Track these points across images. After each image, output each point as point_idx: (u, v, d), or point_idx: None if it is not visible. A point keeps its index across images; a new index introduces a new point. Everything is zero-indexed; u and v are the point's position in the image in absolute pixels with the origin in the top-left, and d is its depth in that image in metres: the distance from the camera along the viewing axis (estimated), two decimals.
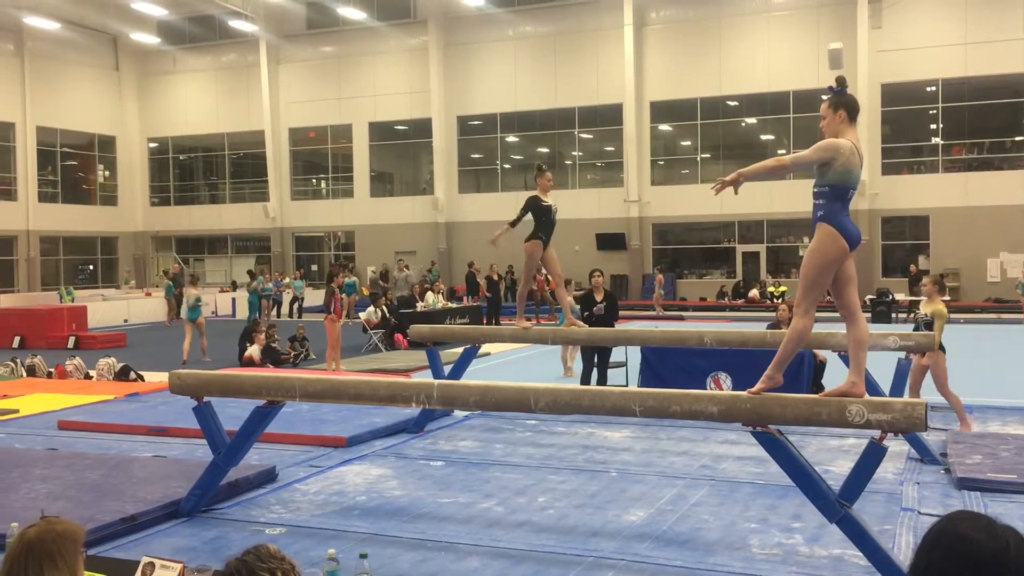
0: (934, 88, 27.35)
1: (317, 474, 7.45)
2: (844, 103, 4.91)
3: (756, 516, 6.14)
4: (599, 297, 11.52)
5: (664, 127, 31.11)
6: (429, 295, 22.62)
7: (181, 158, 38.49)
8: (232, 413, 7.14)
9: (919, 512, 6.14)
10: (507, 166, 33.21)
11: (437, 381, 6.75)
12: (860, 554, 4.92)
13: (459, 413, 9.85)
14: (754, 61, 28.74)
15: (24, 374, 14.33)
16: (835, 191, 4.80)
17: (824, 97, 5.04)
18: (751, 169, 5.04)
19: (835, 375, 10.18)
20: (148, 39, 36.14)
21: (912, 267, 26.07)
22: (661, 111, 30.50)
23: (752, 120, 30.13)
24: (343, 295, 17.03)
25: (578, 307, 11.77)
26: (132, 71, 37.26)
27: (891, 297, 23.70)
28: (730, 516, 6.15)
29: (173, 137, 37.58)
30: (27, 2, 31.60)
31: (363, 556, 4.32)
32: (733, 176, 4.95)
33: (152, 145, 38.09)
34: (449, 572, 5.18)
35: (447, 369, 9.67)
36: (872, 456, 4.79)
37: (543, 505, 6.50)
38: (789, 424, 5.01)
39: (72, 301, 27.30)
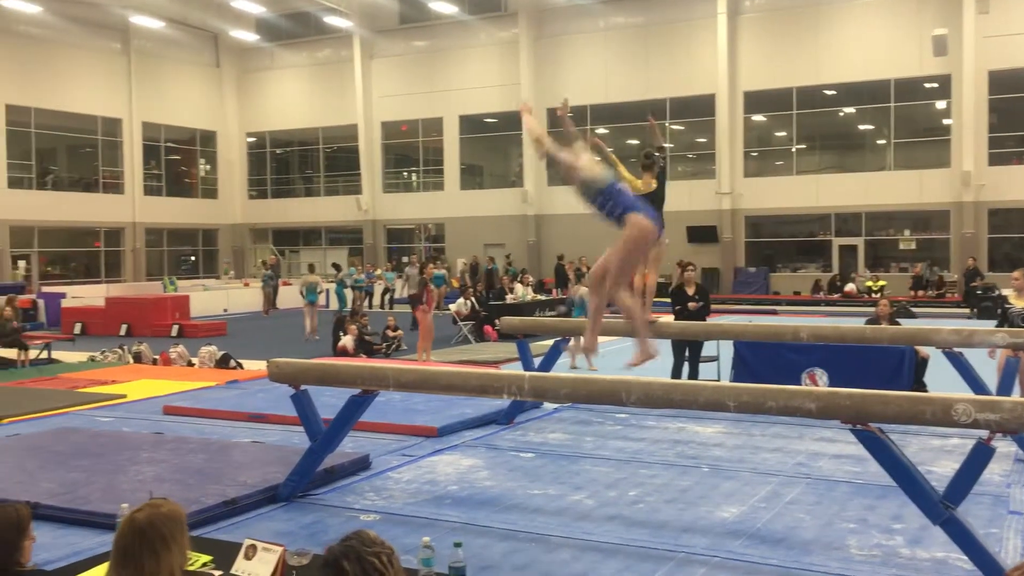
0: None
1: (409, 463, 7.56)
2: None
3: (854, 516, 5.98)
4: (691, 291, 11.25)
5: (758, 117, 30.46)
6: (519, 287, 22.75)
7: (278, 152, 39.45)
8: (326, 402, 7.28)
9: None
10: (597, 158, 32.93)
11: (528, 373, 6.77)
12: (964, 557, 4.77)
13: (548, 405, 9.85)
14: (853, 48, 27.87)
15: (131, 361, 14.94)
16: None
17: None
18: None
19: (938, 372, 9.85)
20: (247, 36, 37.16)
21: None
22: (755, 101, 29.87)
23: (850, 109, 29.29)
24: (433, 287, 17.21)
25: (669, 300, 11.59)
26: (232, 68, 38.34)
27: (997, 292, 22.77)
28: (827, 515, 6.00)
29: (270, 132, 38.55)
30: (133, 1, 32.82)
31: (457, 545, 4.37)
32: None
33: (250, 140, 39.14)
34: (540, 563, 5.19)
35: (537, 361, 9.69)
36: (979, 457, 4.63)
37: (634, 499, 6.46)
38: (891, 422, 4.87)
39: (175, 291, 28.34)
